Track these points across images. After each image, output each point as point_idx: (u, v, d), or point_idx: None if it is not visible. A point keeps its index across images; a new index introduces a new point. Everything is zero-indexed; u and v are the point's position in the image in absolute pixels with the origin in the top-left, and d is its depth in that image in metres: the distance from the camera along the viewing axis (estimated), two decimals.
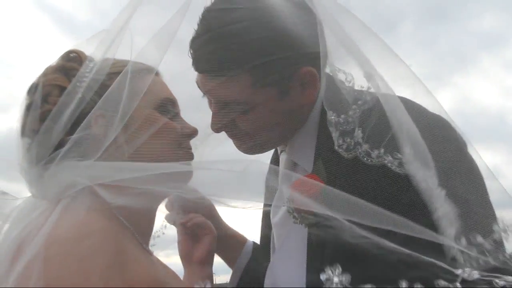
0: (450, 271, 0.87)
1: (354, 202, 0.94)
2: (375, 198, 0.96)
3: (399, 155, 1.01)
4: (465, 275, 0.87)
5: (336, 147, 1.08)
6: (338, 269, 0.94)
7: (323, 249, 1.08)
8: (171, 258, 1.38)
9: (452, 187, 0.98)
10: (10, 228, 1.04)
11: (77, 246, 0.89)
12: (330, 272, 0.94)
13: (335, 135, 1.09)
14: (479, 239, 0.91)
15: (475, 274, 0.87)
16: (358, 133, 1.07)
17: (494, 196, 1.08)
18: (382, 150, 1.03)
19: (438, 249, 0.90)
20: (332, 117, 1.09)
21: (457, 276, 0.87)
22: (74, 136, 1.04)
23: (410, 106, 1.06)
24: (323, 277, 0.94)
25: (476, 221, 0.94)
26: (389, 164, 1.02)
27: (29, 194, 1.11)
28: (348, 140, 1.08)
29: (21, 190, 1.14)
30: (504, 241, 0.92)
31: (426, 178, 0.96)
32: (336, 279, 0.93)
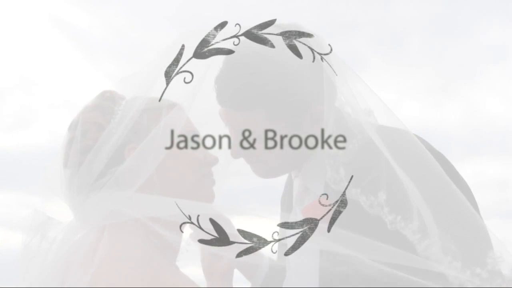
0: None
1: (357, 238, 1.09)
2: (381, 224, 1.11)
3: (372, 197, 1.15)
4: None
5: (327, 180, 1.21)
6: None
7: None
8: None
9: (447, 228, 1.10)
10: (58, 248, 1.20)
11: (138, 267, 1.08)
12: None
13: (329, 168, 1.21)
14: (478, 270, 1.06)
15: None
16: (341, 171, 1.19)
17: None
18: (359, 190, 1.16)
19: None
20: (332, 151, 1.21)
21: None
22: (112, 168, 1.18)
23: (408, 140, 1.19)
24: None
25: (472, 256, 1.08)
26: (362, 203, 1.16)
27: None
28: (335, 175, 1.20)
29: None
30: (501, 264, 1.08)
31: (394, 222, 1.11)
32: None
